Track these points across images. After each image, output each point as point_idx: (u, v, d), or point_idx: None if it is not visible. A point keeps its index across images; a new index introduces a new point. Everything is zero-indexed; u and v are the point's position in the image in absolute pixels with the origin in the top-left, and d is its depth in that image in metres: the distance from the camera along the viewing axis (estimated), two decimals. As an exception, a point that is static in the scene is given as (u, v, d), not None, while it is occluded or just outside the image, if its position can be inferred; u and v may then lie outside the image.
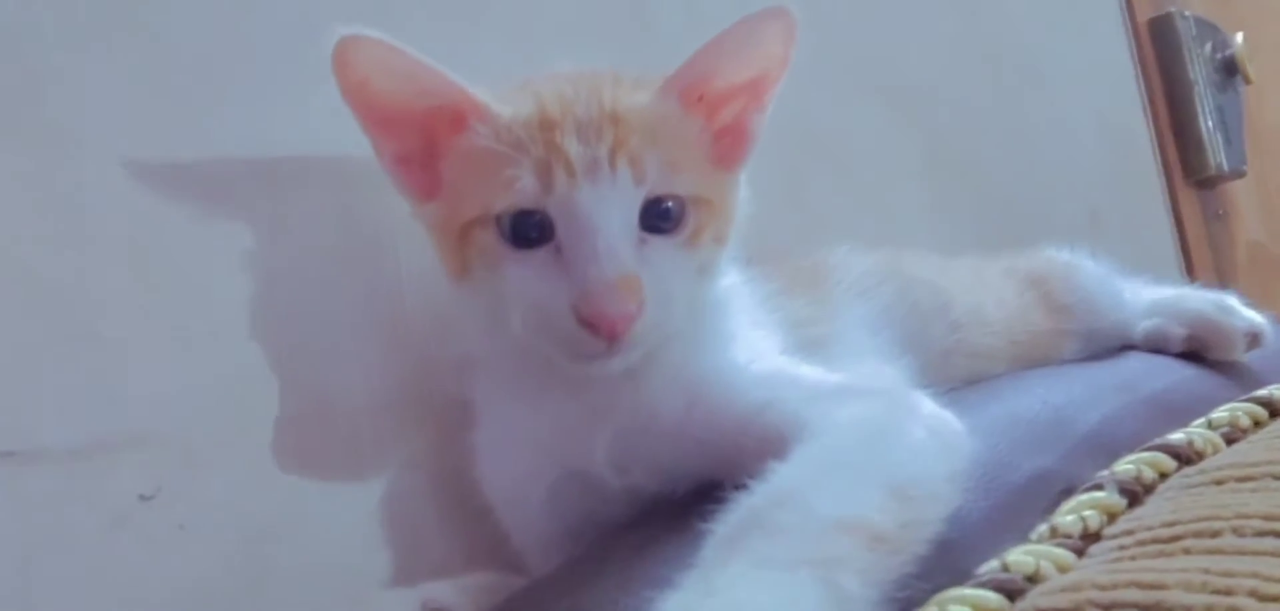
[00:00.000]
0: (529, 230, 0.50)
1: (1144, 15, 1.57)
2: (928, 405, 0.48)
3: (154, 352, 0.54)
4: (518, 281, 0.50)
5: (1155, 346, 0.78)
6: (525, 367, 0.54)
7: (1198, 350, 0.77)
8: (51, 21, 0.54)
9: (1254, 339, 0.76)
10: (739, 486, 0.41)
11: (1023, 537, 0.47)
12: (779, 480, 0.41)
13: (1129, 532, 0.45)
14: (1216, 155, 1.57)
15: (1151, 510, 0.48)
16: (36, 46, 0.53)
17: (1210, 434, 0.55)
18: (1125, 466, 0.51)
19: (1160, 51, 1.57)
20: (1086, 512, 0.47)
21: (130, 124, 0.56)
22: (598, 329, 0.48)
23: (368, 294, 0.62)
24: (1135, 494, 0.49)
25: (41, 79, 0.53)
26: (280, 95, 0.61)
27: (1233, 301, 0.78)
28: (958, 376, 0.64)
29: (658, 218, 0.51)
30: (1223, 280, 1.65)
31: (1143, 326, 0.79)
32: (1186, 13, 1.60)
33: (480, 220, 0.51)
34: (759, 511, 0.39)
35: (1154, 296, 0.83)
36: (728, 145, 0.56)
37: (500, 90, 0.53)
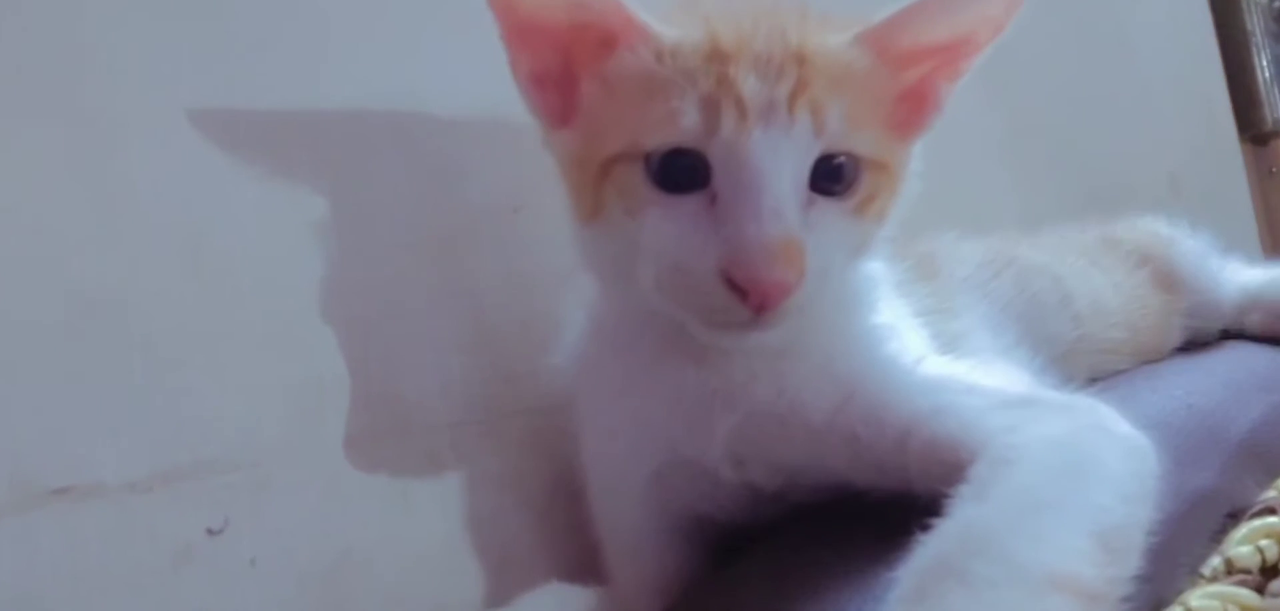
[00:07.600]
0: (680, 173, 0.44)
1: (1198, -37, 1.51)
2: (1120, 424, 0.42)
3: (215, 367, 0.49)
4: (659, 231, 0.44)
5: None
6: (646, 332, 0.48)
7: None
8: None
9: None
10: (878, 499, 0.37)
11: (1193, 570, 0.44)
12: (970, 520, 0.36)
13: (1313, 565, 0.41)
14: (1273, 110, 1.52)
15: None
16: (73, 10, 0.47)
17: (1373, 437, 0.51)
18: (1294, 487, 0.47)
19: (1216, 2, 1.51)
20: (1262, 542, 0.45)
21: (182, 94, 0.50)
22: (747, 296, 0.42)
23: (443, 299, 0.57)
24: (1310, 517, 0.46)
25: (82, 47, 0.47)
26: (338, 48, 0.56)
27: None
28: (1081, 376, 0.59)
29: (828, 177, 0.45)
30: (1276, 239, 1.60)
31: (1255, 316, 0.77)
32: (1243, -40, 1.54)
33: (625, 155, 0.45)
34: (953, 560, 0.34)
35: (1250, 279, 0.80)
36: (909, 110, 0.50)
37: (661, 10, 0.46)
